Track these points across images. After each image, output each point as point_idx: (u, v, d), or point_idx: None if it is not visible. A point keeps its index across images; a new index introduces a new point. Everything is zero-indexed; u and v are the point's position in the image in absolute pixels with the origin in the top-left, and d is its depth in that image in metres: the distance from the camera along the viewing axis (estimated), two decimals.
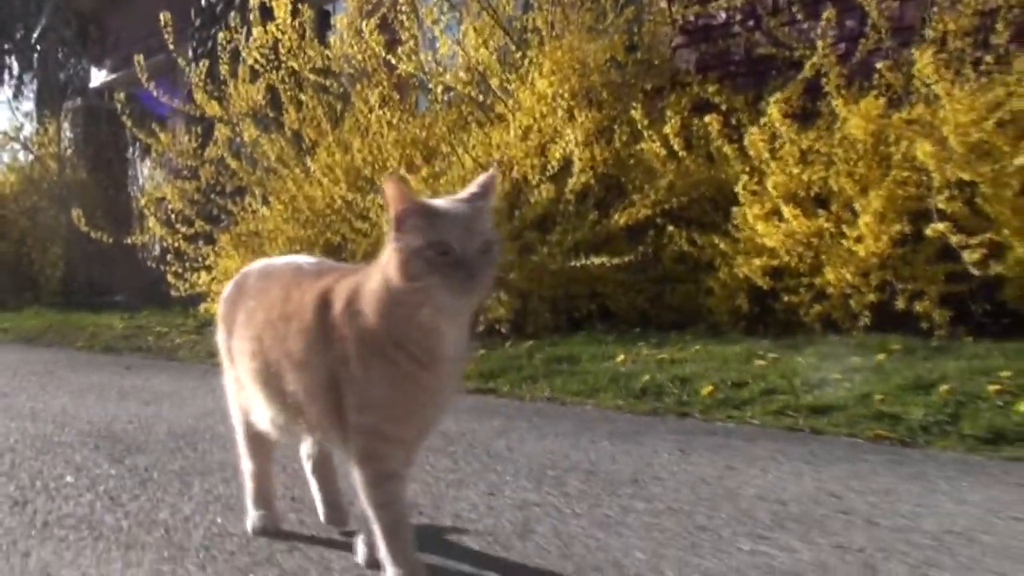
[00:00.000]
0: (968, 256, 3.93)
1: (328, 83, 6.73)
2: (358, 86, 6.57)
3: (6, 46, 14.63)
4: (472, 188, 1.47)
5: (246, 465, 1.82)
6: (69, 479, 2.33)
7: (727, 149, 4.87)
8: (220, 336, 1.79)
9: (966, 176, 4.05)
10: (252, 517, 1.84)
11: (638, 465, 2.42)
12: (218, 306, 1.83)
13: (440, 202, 1.43)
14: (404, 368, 1.41)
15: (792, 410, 3.23)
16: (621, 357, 4.27)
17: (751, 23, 5.66)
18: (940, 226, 4.00)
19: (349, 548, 1.68)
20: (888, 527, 1.84)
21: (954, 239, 3.97)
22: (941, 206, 4.08)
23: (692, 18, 5.96)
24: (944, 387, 3.21)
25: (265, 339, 1.58)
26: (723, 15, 5.90)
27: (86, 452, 2.67)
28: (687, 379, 3.71)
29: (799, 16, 5.16)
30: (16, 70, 14.18)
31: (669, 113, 5.18)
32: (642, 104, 5.38)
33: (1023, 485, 2.22)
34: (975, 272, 3.95)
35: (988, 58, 4.17)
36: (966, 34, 4.36)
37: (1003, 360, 3.46)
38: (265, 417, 1.66)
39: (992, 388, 3.14)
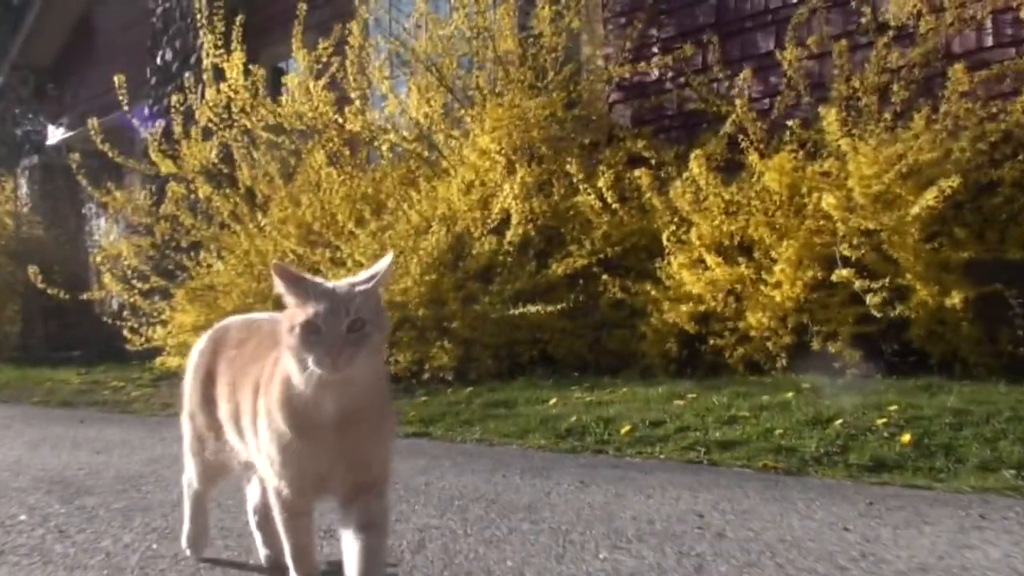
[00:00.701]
0: (870, 300, 4.32)
1: (280, 140, 7.09)
2: (309, 143, 6.95)
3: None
4: (371, 271, 1.63)
5: (192, 487, 2.10)
6: (23, 517, 2.63)
7: (655, 201, 5.25)
8: (188, 381, 2.04)
9: (871, 225, 4.45)
10: (187, 532, 2.13)
11: (537, 495, 2.75)
12: (192, 355, 2.07)
13: (320, 284, 1.59)
14: (288, 432, 1.62)
15: (700, 445, 3.58)
16: (553, 400, 4.61)
17: (681, 80, 6.07)
18: (844, 272, 4.40)
19: (263, 570, 2.00)
20: (732, 538, 2.18)
21: (857, 284, 4.36)
22: (846, 253, 4.48)
23: (627, 75, 6.38)
24: (839, 422, 3.57)
25: (236, 385, 1.83)
26: (656, 72, 6.32)
27: (39, 495, 2.97)
28: (610, 420, 4.05)
29: (720, 75, 5.57)
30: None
31: (602, 168, 5.56)
32: (579, 158, 5.79)
33: (872, 503, 2.57)
34: (877, 315, 4.34)
35: (887, 115, 4.60)
36: (870, 92, 4.80)
37: (895, 395, 3.84)
38: (233, 452, 1.91)
39: (880, 421, 3.50)
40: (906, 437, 3.32)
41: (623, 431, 3.87)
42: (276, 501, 1.72)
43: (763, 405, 3.96)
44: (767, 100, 5.64)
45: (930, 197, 4.17)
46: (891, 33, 5.03)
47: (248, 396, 1.77)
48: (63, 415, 5.91)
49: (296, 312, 1.55)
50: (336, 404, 1.58)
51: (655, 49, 6.36)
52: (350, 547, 1.67)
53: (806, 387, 4.23)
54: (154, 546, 2.25)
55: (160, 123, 7.84)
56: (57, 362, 9.41)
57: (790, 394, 4.08)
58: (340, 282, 1.63)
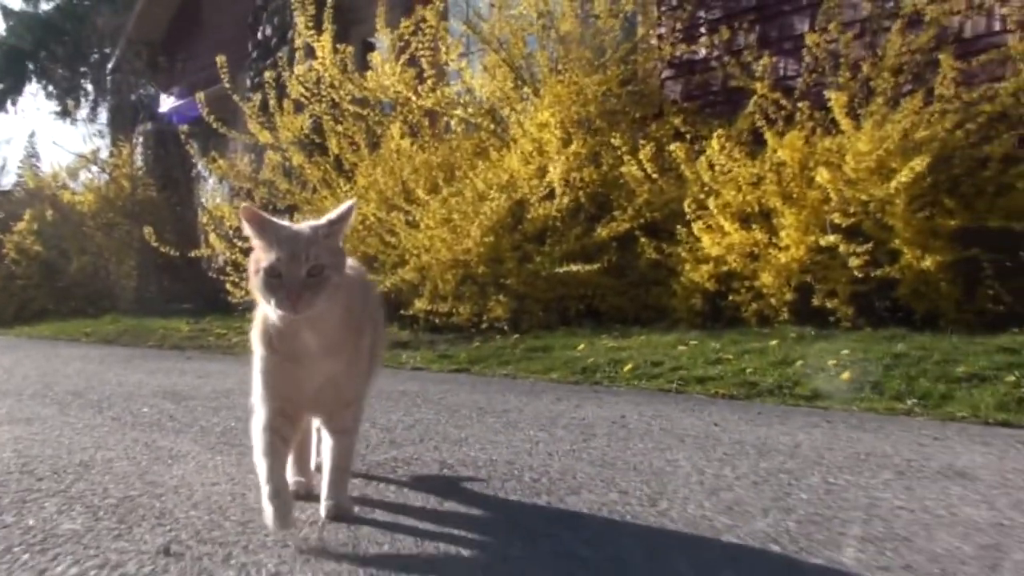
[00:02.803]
0: (852, 262, 5.21)
1: (365, 112, 8.24)
2: (390, 116, 8.10)
3: (82, 69, 16.82)
4: (331, 215, 1.83)
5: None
6: (145, 410, 3.85)
7: (688, 173, 6.20)
8: None
9: (863, 196, 5.33)
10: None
11: (517, 405, 3.85)
12: None
13: (283, 230, 1.78)
14: (270, 358, 1.90)
15: (681, 380, 4.59)
16: (582, 346, 5.65)
17: (726, 58, 6.95)
18: (831, 237, 5.31)
19: None
20: (633, 428, 3.22)
21: (841, 248, 5.26)
22: (837, 221, 5.38)
23: (678, 54, 7.31)
24: (799, 363, 4.53)
25: None
26: (703, 51, 7.24)
27: (156, 399, 4.20)
28: (620, 360, 5.08)
29: (750, 58, 6.45)
30: (91, 94, 16.34)
31: (643, 142, 6.52)
32: (631, 131, 6.78)
33: (766, 415, 3.57)
34: (859, 275, 5.23)
35: (879, 100, 5.46)
36: (881, 75, 5.64)
37: (859, 343, 4.75)
38: None
39: (831, 362, 4.45)
40: (846, 375, 4.26)
41: (626, 369, 4.90)
42: (258, 420, 1.95)
43: (747, 350, 4.92)
44: (799, 79, 6.48)
45: (905, 174, 5.02)
46: (904, 18, 5.81)
47: None
48: (174, 354, 7.27)
49: (261, 256, 1.76)
50: (313, 337, 1.83)
51: (703, 30, 7.27)
52: (327, 446, 2.03)
53: (792, 336, 5.17)
54: (232, 423, 3.41)
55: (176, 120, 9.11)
56: (169, 313, 10.90)
57: (775, 342, 5.03)
58: (302, 225, 1.82)
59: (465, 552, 1.78)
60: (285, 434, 1.93)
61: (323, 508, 1.99)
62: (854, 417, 3.56)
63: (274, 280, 1.73)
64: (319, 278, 1.73)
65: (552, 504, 2.13)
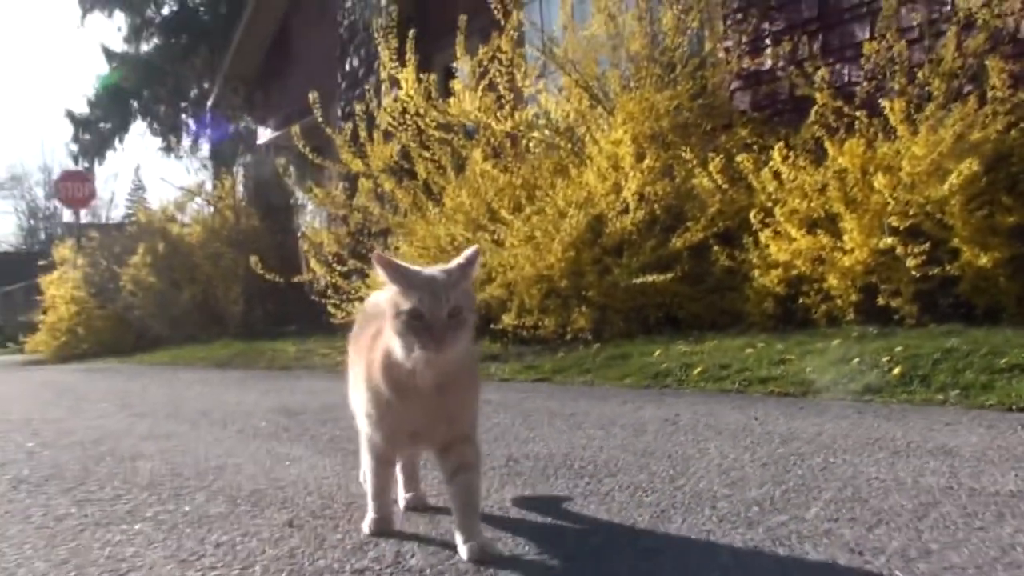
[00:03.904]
0: (909, 262, 5.62)
1: (450, 137, 8.88)
2: (472, 140, 8.73)
3: (182, 104, 18.04)
4: (460, 260, 1.94)
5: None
6: (263, 424, 4.53)
7: (755, 182, 6.66)
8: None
9: (919, 199, 5.73)
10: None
11: (585, 408, 4.41)
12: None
13: (419, 274, 1.89)
14: (386, 393, 1.98)
15: (744, 380, 5.08)
16: (658, 352, 6.16)
17: (791, 68, 7.38)
18: (889, 240, 5.72)
19: None
20: (682, 426, 3.74)
21: (899, 249, 5.67)
22: (895, 223, 5.78)
23: (745, 66, 7.78)
24: (855, 360, 4.97)
25: (355, 352, 2.24)
26: (769, 62, 7.69)
27: (271, 415, 4.88)
28: (690, 364, 5.58)
29: (810, 69, 6.87)
30: (192, 128, 17.54)
31: (712, 154, 6.99)
32: (703, 143, 7.26)
33: (803, 409, 4.05)
34: (916, 275, 5.62)
35: (931, 106, 5.84)
36: (936, 79, 6.01)
37: (913, 339, 5.17)
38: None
39: (885, 359, 4.88)
40: (896, 370, 4.69)
41: (695, 372, 5.40)
42: (369, 450, 2.16)
43: (810, 350, 5.37)
44: (865, 84, 6.86)
45: (956, 176, 5.42)
46: (959, 22, 6.18)
47: (357, 361, 2.17)
48: (283, 375, 8.03)
49: (400, 299, 1.85)
50: (435, 376, 1.91)
51: (768, 41, 7.72)
52: (452, 486, 2.07)
53: (854, 335, 5.59)
54: (337, 432, 4.05)
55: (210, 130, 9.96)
56: (275, 336, 11.76)
57: (836, 341, 5.47)
58: (434, 270, 1.92)
59: (510, 515, 2.35)
60: (394, 462, 2.26)
61: (464, 551, 2.02)
62: (888, 408, 4.02)
63: (416, 322, 1.82)
64: (458, 319, 1.85)
65: (590, 484, 2.68)
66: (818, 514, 2.21)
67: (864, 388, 4.57)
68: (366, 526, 2.25)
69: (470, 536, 2.03)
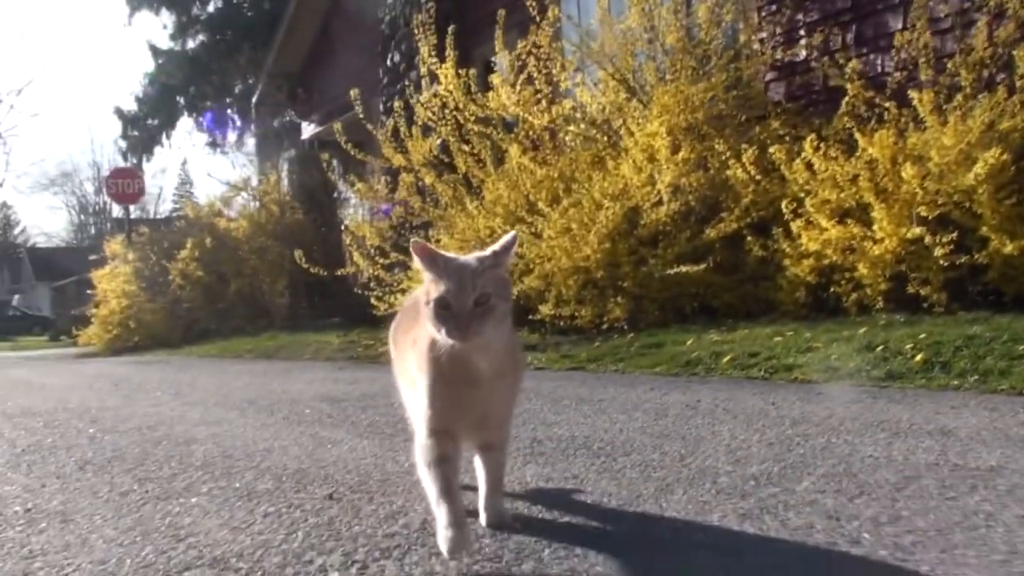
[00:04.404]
0: (937, 252, 5.78)
1: (489, 131, 9.13)
2: (512, 133, 8.97)
3: (228, 100, 18.50)
4: (496, 246, 1.97)
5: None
6: (307, 411, 4.82)
7: (788, 173, 6.83)
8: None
9: (947, 188, 5.89)
10: None
11: (613, 395, 4.65)
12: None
13: (451, 262, 1.91)
14: (445, 384, 1.99)
15: (771, 369, 5.28)
16: (690, 341, 6.37)
17: (825, 59, 7.54)
18: (916, 230, 5.88)
19: None
20: (703, 409, 3.97)
21: (926, 239, 5.83)
22: (923, 213, 5.94)
23: (779, 57, 7.94)
24: (880, 347, 5.16)
25: (400, 347, 2.30)
26: (803, 53, 7.85)
27: (315, 402, 5.18)
28: (720, 353, 5.79)
29: (840, 60, 7.02)
30: (238, 122, 17.97)
31: (745, 145, 7.18)
32: (738, 134, 7.44)
33: (821, 394, 4.26)
34: (943, 263, 5.78)
35: (960, 96, 5.99)
36: (965, 69, 6.15)
37: (934, 327, 5.34)
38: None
39: (908, 346, 5.06)
40: (919, 357, 4.87)
41: (724, 360, 5.61)
42: (423, 447, 2.06)
43: (836, 338, 5.55)
44: (896, 74, 7.00)
45: (981, 165, 5.57)
46: (990, 11, 6.31)
47: (406, 355, 2.21)
48: (327, 365, 8.35)
49: (431, 287, 1.89)
50: (483, 363, 1.96)
51: (802, 32, 7.88)
52: (480, 462, 2.21)
53: (882, 323, 5.77)
54: (377, 418, 4.32)
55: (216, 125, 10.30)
56: (320, 328, 12.11)
57: (863, 329, 5.65)
58: (469, 257, 1.95)
59: (529, 487, 2.59)
60: (452, 457, 2.04)
61: (483, 517, 2.20)
62: (903, 393, 4.22)
63: (444, 311, 1.86)
64: (486, 307, 1.86)
65: (605, 463, 2.92)
66: (808, 487, 2.43)
67: (886, 374, 4.76)
68: (443, 544, 1.90)
69: (490, 505, 2.21)
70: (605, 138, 8.30)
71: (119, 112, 24.85)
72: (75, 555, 2.20)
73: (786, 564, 1.89)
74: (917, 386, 4.42)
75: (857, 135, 6.40)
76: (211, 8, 22.51)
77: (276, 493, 2.77)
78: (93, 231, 64.59)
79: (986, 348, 4.81)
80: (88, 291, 18.49)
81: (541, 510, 2.39)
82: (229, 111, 20.03)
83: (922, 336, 5.15)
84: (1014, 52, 5.88)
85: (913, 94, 6.15)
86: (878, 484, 2.42)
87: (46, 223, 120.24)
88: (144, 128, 24.34)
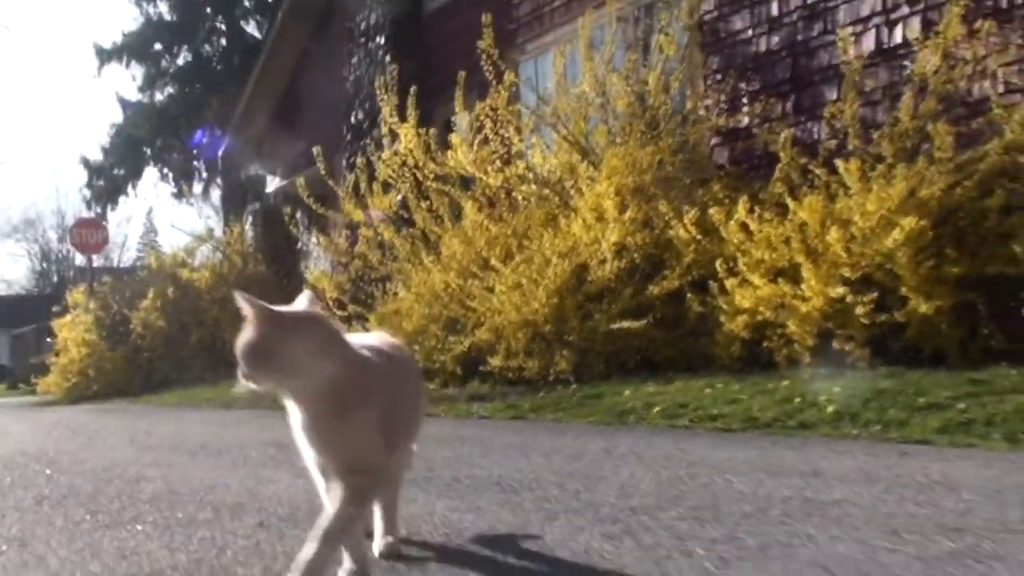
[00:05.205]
0: (858, 311, 6.25)
1: (447, 188, 9.60)
2: (470, 191, 9.46)
3: (195, 152, 19.07)
4: (296, 304, 2.27)
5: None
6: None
7: (725, 234, 7.31)
8: None
9: (867, 251, 6.38)
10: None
11: (540, 442, 5.08)
12: None
13: (254, 311, 2.12)
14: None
15: (696, 419, 5.72)
16: (628, 392, 6.80)
17: (765, 125, 8.08)
18: (840, 290, 6.36)
19: None
20: (614, 455, 4.39)
21: (848, 298, 6.31)
22: (846, 274, 6.42)
23: (724, 123, 8.49)
24: (797, 400, 5.61)
25: None
26: (745, 120, 8.40)
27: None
28: (652, 404, 6.23)
29: (774, 130, 7.55)
30: (204, 175, 18.52)
31: (686, 207, 7.67)
32: (684, 195, 7.94)
33: (726, 440, 4.70)
34: (865, 322, 6.25)
35: (880, 167, 6.50)
36: (888, 140, 6.66)
37: (855, 381, 5.80)
38: None
39: (823, 398, 5.52)
40: (831, 409, 5.32)
41: (655, 411, 6.05)
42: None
43: (761, 391, 6.01)
44: (833, 141, 7.52)
45: (898, 232, 6.06)
46: (915, 86, 6.84)
47: None
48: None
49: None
50: (299, 402, 2.22)
51: (744, 100, 8.43)
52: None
53: (805, 377, 6.23)
54: None
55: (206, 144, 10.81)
56: None
57: (786, 382, 6.10)
58: (276, 309, 2.16)
59: (435, 516, 3.01)
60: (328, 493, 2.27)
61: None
62: (800, 440, 4.68)
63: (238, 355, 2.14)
64: (265, 356, 2.13)
65: (509, 497, 3.35)
66: (672, 515, 2.86)
67: (799, 424, 5.22)
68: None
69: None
70: (557, 198, 8.78)
71: (85, 162, 25.36)
72: (32, 570, 2.60)
73: (628, 564, 2.31)
74: (822, 435, 4.86)
75: (788, 200, 6.89)
76: (180, 61, 23.18)
77: (214, 522, 3.18)
78: (55, 278, 64.52)
79: (892, 401, 5.27)
80: (48, 339, 18.78)
81: (445, 534, 2.80)
82: (195, 163, 20.67)
83: (836, 390, 5.61)
84: (928, 126, 6.41)
85: (839, 162, 6.66)
86: (732, 514, 2.85)
87: (6, 271, 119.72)
88: (110, 178, 24.82)
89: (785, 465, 3.82)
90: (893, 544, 2.38)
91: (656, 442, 4.87)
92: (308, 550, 2.13)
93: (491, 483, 3.71)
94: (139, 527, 3.15)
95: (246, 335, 2.12)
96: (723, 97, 8.57)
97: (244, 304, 2.12)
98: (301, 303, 2.29)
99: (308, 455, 2.31)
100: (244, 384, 2.15)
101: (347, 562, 2.29)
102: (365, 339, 2.52)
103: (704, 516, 2.83)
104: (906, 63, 7.11)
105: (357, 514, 2.26)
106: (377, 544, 2.56)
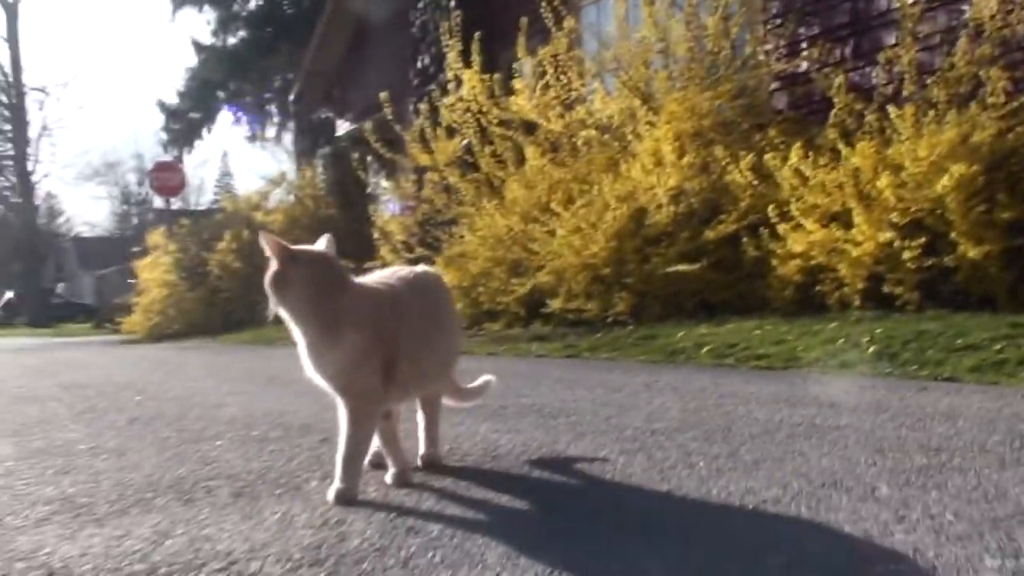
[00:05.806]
0: (905, 255, 6.49)
1: (511, 133, 9.95)
2: (533, 135, 9.80)
3: (267, 95, 19.61)
4: (319, 243, 2.69)
5: None
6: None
7: (780, 179, 7.57)
8: None
9: (917, 197, 6.60)
10: None
11: (586, 376, 5.45)
12: None
13: (275, 249, 2.56)
14: None
15: (742, 358, 6.04)
16: (681, 334, 7.13)
17: (825, 70, 8.26)
18: (888, 234, 6.60)
19: None
20: (652, 388, 4.76)
21: (895, 243, 6.54)
22: (895, 220, 6.65)
23: (783, 67, 8.69)
24: (841, 340, 5.90)
25: None
26: (804, 65, 8.59)
27: None
28: (703, 344, 6.56)
29: (830, 75, 7.74)
30: (276, 117, 19.05)
31: (743, 152, 7.92)
32: (742, 140, 8.18)
33: (765, 378, 5.02)
34: (912, 267, 6.48)
35: (932, 112, 6.69)
36: (944, 85, 6.84)
37: (892, 323, 6.06)
38: None
39: (865, 339, 5.80)
40: (872, 349, 5.61)
41: (704, 351, 6.38)
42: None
43: (807, 332, 6.30)
44: (889, 87, 7.70)
45: (947, 178, 6.27)
46: (970, 31, 6.99)
47: None
48: None
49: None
50: (301, 326, 2.62)
51: (804, 45, 8.61)
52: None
53: (853, 319, 6.51)
54: None
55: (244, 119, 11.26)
56: None
57: (833, 324, 6.39)
58: (290, 248, 2.57)
59: (478, 436, 3.41)
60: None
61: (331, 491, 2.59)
62: (835, 378, 4.98)
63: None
64: (283, 285, 2.58)
65: (545, 421, 3.75)
66: (688, 437, 3.23)
67: (840, 363, 5.51)
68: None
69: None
70: (617, 143, 9.07)
71: (162, 105, 26.17)
72: (129, 473, 3.07)
73: (636, 473, 2.69)
74: (858, 373, 5.16)
75: (840, 146, 7.11)
76: (252, 5, 23.72)
77: (283, 439, 3.63)
78: (135, 221, 66.33)
79: (932, 342, 5.54)
80: (130, 280, 19.60)
81: (483, 449, 3.21)
82: (268, 106, 21.28)
83: (879, 331, 5.89)
84: (981, 72, 6.57)
85: (891, 108, 6.85)
86: (741, 436, 3.21)
87: (89, 213, 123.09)
88: (186, 121, 25.63)
89: (807, 398, 4.15)
90: (874, 460, 2.73)
91: (695, 377, 5.22)
92: (336, 479, 2.56)
93: (533, 410, 4.10)
94: (219, 443, 3.61)
95: (269, 269, 2.53)
96: (782, 42, 8.75)
97: (266, 243, 2.53)
98: (321, 244, 2.68)
99: (315, 378, 2.67)
100: (272, 308, 2.61)
101: (392, 466, 2.75)
102: (393, 273, 2.88)
103: (714, 437, 3.19)
104: (964, 7, 7.22)
105: (364, 434, 2.64)
106: (420, 455, 2.95)
